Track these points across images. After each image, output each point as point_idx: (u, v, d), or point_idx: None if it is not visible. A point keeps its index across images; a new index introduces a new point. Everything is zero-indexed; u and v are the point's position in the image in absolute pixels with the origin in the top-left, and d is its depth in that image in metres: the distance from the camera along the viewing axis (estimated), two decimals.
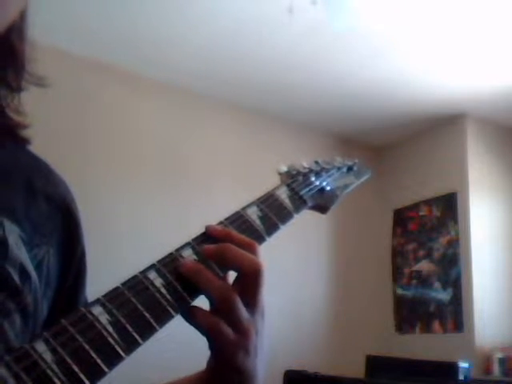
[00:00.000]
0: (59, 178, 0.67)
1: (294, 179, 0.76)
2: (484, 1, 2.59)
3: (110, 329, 0.48)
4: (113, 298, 0.50)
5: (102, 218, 2.94)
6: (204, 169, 3.49)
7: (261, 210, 0.66)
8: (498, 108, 3.63)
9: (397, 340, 3.92)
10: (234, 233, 0.59)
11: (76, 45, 2.99)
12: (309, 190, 0.76)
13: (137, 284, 0.52)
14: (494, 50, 2.99)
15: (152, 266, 0.54)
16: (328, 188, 0.81)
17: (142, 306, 0.51)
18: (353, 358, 3.35)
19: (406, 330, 3.89)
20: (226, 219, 0.62)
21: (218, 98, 3.59)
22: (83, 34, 2.92)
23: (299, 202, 0.73)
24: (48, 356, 0.44)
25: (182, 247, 0.57)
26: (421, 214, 3.94)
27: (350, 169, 0.89)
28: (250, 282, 0.55)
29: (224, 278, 0.56)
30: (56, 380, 0.43)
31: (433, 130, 3.94)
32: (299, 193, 0.74)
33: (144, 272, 0.53)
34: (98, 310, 0.49)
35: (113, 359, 0.47)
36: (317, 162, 0.82)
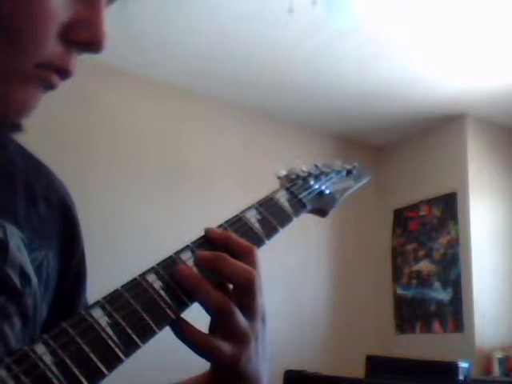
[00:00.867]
0: (59, 182, 0.67)
1: (293, 183, 0.76)
2: (484, 1, 2.60)
3: (110, 331, 0.48)
4: (112, 301, 0.50)
5: (102, 219, 2.95)
6: (204, 169, 3.49)
7: (260, 214, 0.66)
8: (497, 108, 3.63)
9: (397, 340, 3.92)
10: (234, 236, 0.59)
11: None
12: (308, 194, 0.76)
13: (136, 286, 0.52)
14: (494, 50, 2.99)
15: (151, 269, 0.54)
16: (327, 191, 0.81)
17: (141, 308, 0.51)
18: (353, 358, 3.35)
19: (406, 329, 3.89)
20: (226, 222, 0.63)
21: (218, 97, 3.59)
22: None
23: (298, 206, 0.73)
24: (48, 358, 0.44)
25: (182, 250, 0.57)
26: (421, 214, 3.94)
27: (349, 172, 0.89)
28: (244, 293, 0.55)
29: (222, 286, 0.56)
30: (56, 382, 0.44)
31: (433, 130, 3.94)
32: (298, 196, 0.74)
33: (143, 275, 0.54)
34: (97, 313, 0.49)
35: (112, 361, 0.47)
36: (316, 166, 0.82)
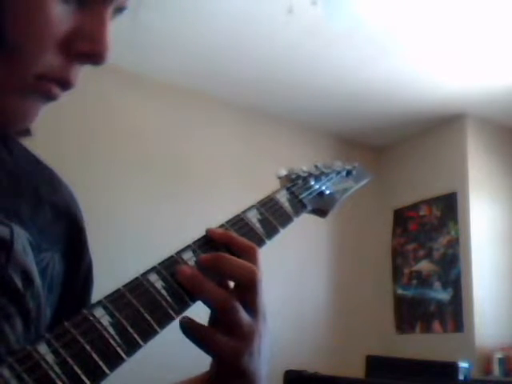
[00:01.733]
0: (65, 186, 0.67)
1: (293, 183, 0.76)
2: (484, 1, 2.60)
3: (112, 331, 0.49)
4: (114, 300, 0.51)
5: (103, 219, 2.95)
6: (204, 169, 3.49)
7: (261, 214, 0.67)
8: (497, 108, 3.63)
9: (397, 340, 3.92)
10: (235, 236, 0.60)
11: None
12: (308, 194, 0.77)
13: (138, 286, 0.53)
14: (494, 49, 2.99)
15: (153, 269, 0.55)
16: (327, 192, 0.81)
17: (143, 308, 0.51)
18: (353, 358, 3.35)
19: (406, 329, 3.89)
20: (227, 222, 0.63)
21: (219, 98, 3.59)
22: None
23: (299, 206, 0.74)
24: (50, 357, 0.45)
25: (183, 250, 0.58)
26: (421, 214, 3.94)
27: (349, 173, 0.89)
28: (247, 291, 0.56)
29: (224, 284, 0.57)
30: (58, 381, 0.44)
31: (433, 130, 3.94)
32: (299, 196, 0.75)
33: (145, 274, 0.54)
34: (99, 312, 0.49)
35: (114, 361, 0.48)
36: (316, 166, 0.83)
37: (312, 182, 0.79)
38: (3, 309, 0.51)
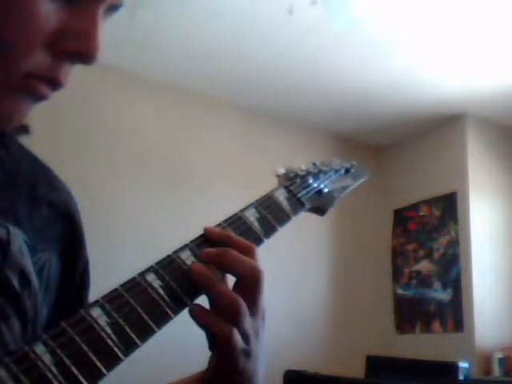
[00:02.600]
0: (62, 185, 0.66)
1: (291, 181, 0.76)
2: (484, 1, 2.60)
3: (109, 330, 0.48)
4: (111, 300, 0.50)
5: (101, 219, 2.94)
6: (203, 168, 3.49)
7: (259, 212, 0.66)
8: (498, 108, 3.63)
9: (397, 340, 3.92)
10: (233, 235, 0.60)
11: None
12: (307, 192, 0.76)
13: (135, 286, 0.53)
14: (494, 49, 2.99)
15: (150, 268, 0.55)
16: (326, 190, 0.81)
17: (140, 307, 0.51)
18: (353, 358, 3.35)
19: (406, 330, 3.89)
20: (225, 221, 0.63)
21: (218, 97, 3.59)
22: None
23: (297, 204, 0.73)
24: (47, 358, 0.45)
25: (180, 249, 0.58)
26: (421, 214, 3.94)
27: (347, 171, 0.89)
28: (250, 288, 0.56)
29: (224, 281, 0.57)
30: (55, 382, 0.44)
31: (433, 130, 3.94)
32: (297, 195, 0.74)
33: (142, 274, 0.54)
34: (96, 312, 0.49)
35: (111, 361, 0.47)
36: (314, 164, 0.82)
37: (310, 181, 0.79)
38: (0, 309, 0.51)
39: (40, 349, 0.45)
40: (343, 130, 4.04)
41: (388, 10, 2.68)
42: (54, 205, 0.62)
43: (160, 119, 3.41)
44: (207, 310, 0.54)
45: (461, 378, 2.54)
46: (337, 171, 0.87)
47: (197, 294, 0.55)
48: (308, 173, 0.80)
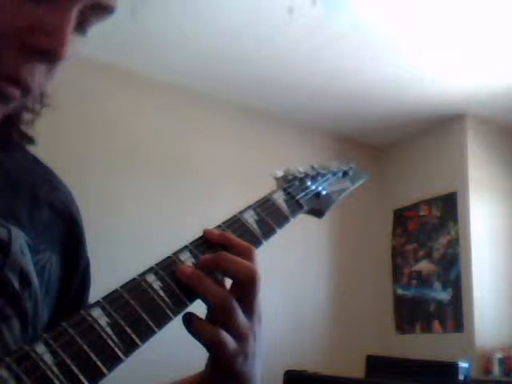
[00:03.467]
0: (64, 186, 0.66)
1: (290, 184, 0.77)
2: (484, 1, 2.60)
3: (110, 331, 0.49)
4: (112, 301, 0.51)
5: (102, 219, 2.95)
6: (203, 168, 3.49)
7: (257, 214, 0.67)
8: (498, 108, 3.63)
9: (397, 340, 3.92)
10: (232, 237, 0.60)
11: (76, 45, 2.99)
12: (305, 195, 0.77)
13: (135, 287, 0.53)
14: (494, 49, 2.99)
15: (150, 269, 0.55)
16: (324, 192, 0.82)
17: (140, 308, 0.51)
18: (353, 358, 3.35)
19: (406, 330, 3.89)
20: (224, 223, 0.63)
21: (218, 97, 3.59)
22: None
23: (295, 206, 0.74)
24: (48, 358, 0.45)
25: (180, 250, 0.58)
26: (421, 214, 3.94)
27: (345, 173, 0.90)
28: (246, 289, 0.56)
29: (221, 283, 0.57)
30: (56, 381, 0.44)
31: (433, 130, 3.94)
32: (295, 197, 0.75)
33: (143, 275, 0.54)
34: (97, 313, 0.49)
35: (112, 361, 0.48)
36: (313, 167, 0.83)
37: (308, 183, 0.80)
38: (1, 310, 0.51)
39: (41, 349, 0.45)
40: (343, 130, 4.05)
41: (388, 10, 2.68)
42: (55, 205, 0.62)
43: (159, 119, 3.41)
44: (198, 317, 0.54)
45: (461, 378, 2.54)
46: (335, 174, 0.87)
47: (195, 295, 0.55)
48: (306, 175, 0.81)
